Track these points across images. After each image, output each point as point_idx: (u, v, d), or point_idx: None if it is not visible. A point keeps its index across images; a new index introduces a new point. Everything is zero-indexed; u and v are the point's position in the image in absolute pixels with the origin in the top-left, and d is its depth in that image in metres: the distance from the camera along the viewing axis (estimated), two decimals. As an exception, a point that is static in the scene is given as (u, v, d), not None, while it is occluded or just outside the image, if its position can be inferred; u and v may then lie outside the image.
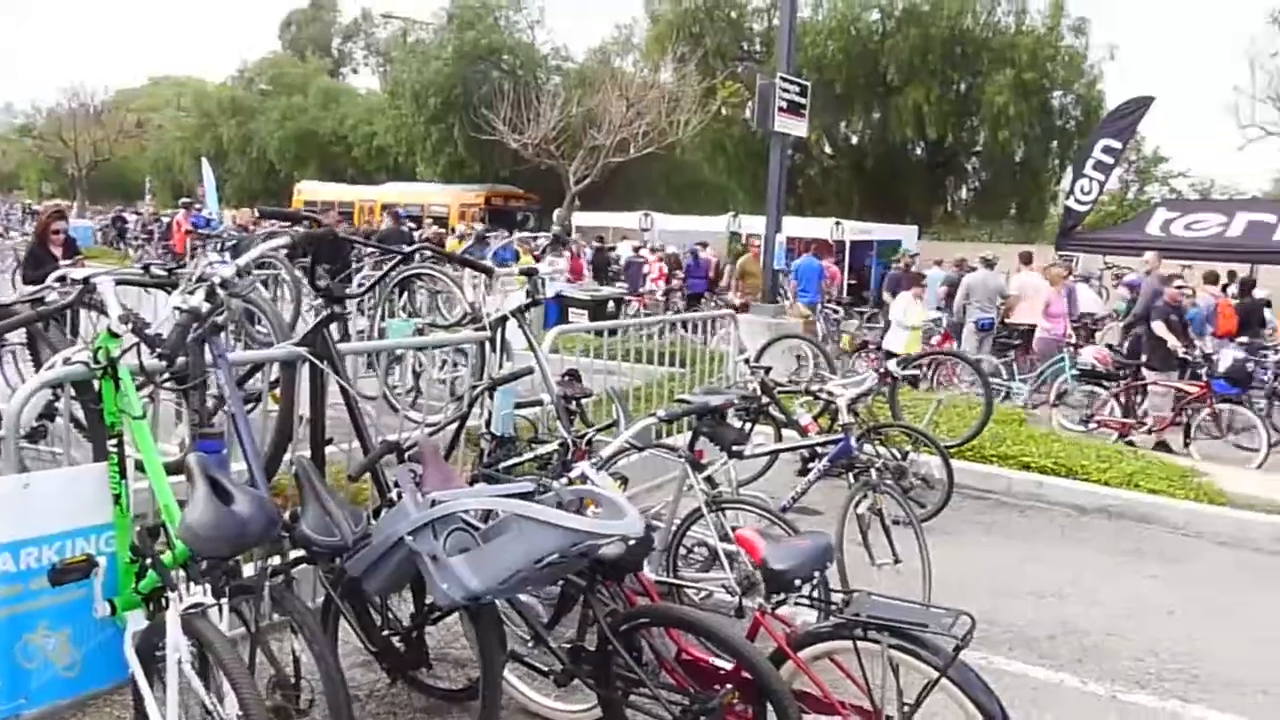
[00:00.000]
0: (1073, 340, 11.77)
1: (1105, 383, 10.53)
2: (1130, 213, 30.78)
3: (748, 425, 6.53)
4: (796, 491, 5.12)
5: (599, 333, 7.01)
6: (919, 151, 32.72)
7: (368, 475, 3.61)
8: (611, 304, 14.61)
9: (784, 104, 9.50)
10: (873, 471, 4.76)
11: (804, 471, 5.86)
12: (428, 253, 6.81)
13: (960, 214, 35.78)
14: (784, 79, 9.60)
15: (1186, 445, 9.58)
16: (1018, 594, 5.47)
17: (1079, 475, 7.45)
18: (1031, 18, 30.27)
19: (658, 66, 28.62)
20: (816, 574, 2.87)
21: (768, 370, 6.52)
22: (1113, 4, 56.16)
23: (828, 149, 33.79)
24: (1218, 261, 16.74)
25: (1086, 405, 10.35)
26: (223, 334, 3.12)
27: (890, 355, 10.93)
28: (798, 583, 2.81)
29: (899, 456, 6.71)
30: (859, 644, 2.76)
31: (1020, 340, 12.72)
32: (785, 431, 6.76)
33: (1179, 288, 10.86)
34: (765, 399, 6.58)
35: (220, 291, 2.95)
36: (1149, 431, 9.98)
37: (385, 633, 3.37)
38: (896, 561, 4.63)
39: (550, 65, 37.34)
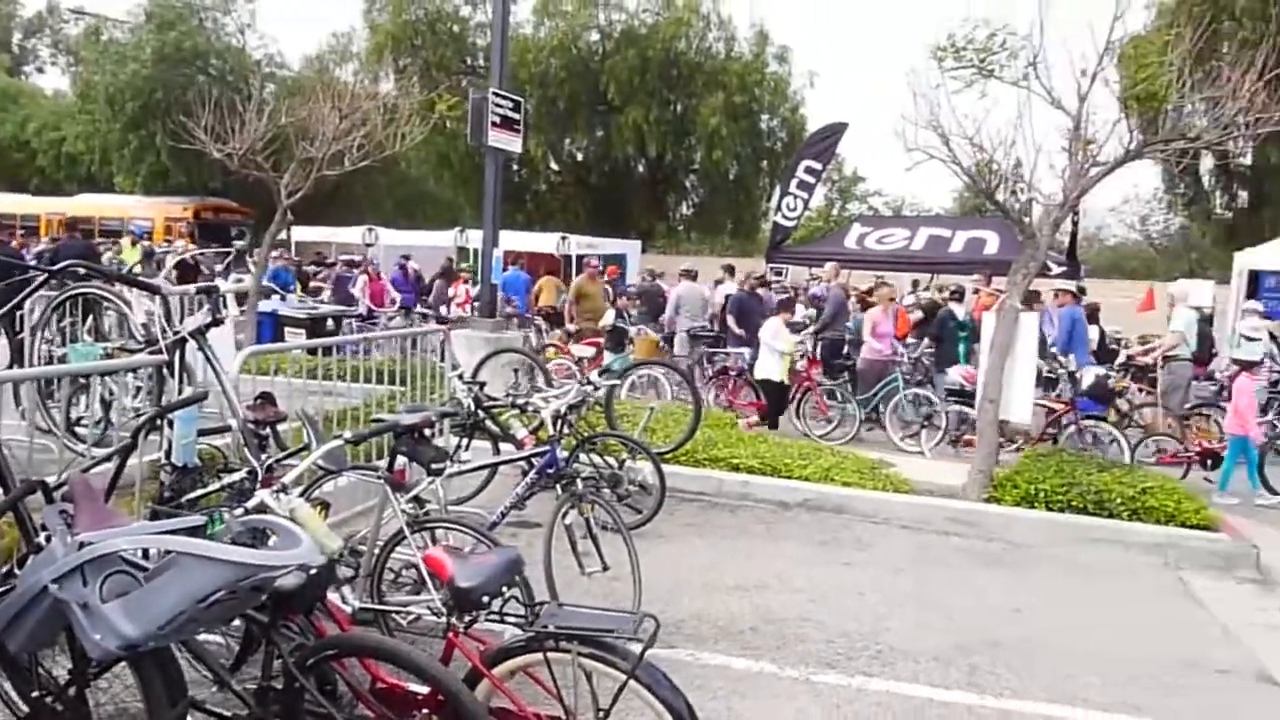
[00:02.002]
0: (902, 360, 11.79)
1: (973, 402, 10.12)
2: (835, 227, 33.42)
3: (464, 440, 6.52)
4: (505, 506, 5.11)
5: (313, 351, 6.69)
6: (641, 168, 33.90)
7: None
8: (331, 321, 13.99)
9: (497, 119, 9.50)
10: (579, 482, 4.82)
11: (530, 486, 5.86)
12: (81, 270, 6.19)
13: (682, 228, 37.42)
14: (497, 94, 9.60)
15: None
16: (725, 589, 5.73)
17: (783, 473, 7.93)
18: (740, 45, 32.24)
19: (377, 77, 27.95)
20: (506, 589, 2.85)
21: (482, 385, 6.48)
22: (812, 35, 60.95)
23: (553, 165, 34.30)
24: (903, 271, 18.51)
25: (955, 426, 10.36)
26: None
27: (767, 383, 10.88)
28: (486, 599, 2.78)
29: (616, 465, 6.88)
30: (549, 655, 2.78)
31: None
32: (505, 446, 6.74)
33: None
34: (480, 414, 6.55)
35: None
36: (1017, 449, 9.97)
37: (37, 693, 3.01)
38: (605, 569, 4.72)
39: (264, 72, 35.49)
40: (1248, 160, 27.45)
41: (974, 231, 17.95)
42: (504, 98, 9.72)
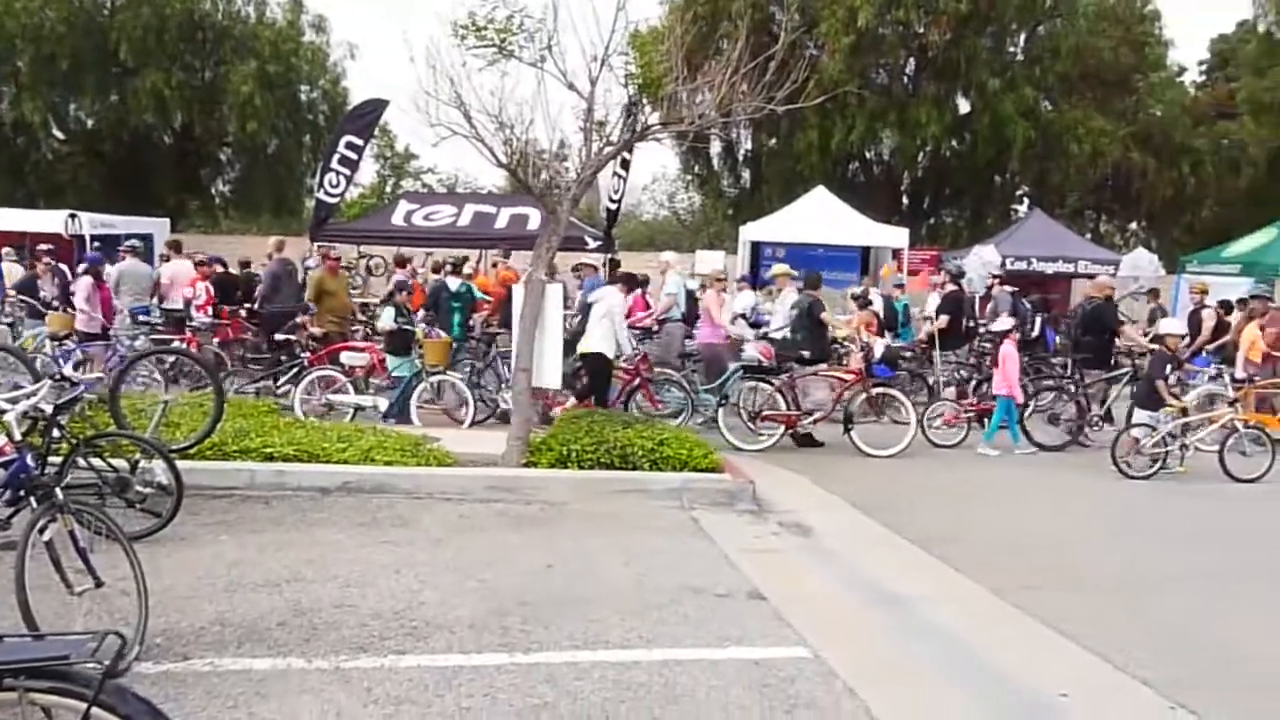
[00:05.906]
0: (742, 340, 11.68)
1: (771, 378, 10.51)
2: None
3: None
4: (-34, 529, 4.38)
5: None
6: (167, 139, 30.82)
7: None
8: None
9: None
10: (59, 491, 4.25)
11: (13, 502, 5.07)
12: None
13: (220, 205, 34.70)
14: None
15: (848, 432, 10.11)
16: (252, 587, 5.41)
17: (321, 458, 7.65)
18: (272, 10, 30.36)
19: None
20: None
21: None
22: (350, 5, 59.13)
23: (58, 132, 30.06)
24: (452, 247, 18.67)
25: (751, 402, 10.31)
26: None
27: (596, 357, 9.99)
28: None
29: (128, 467, 6.21)
30: (-11, 697, 2.40)
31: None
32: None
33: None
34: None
35: None
36: (814, 422, 10.34)
37: None
38: (99, 585, 4.22)
39: None
40: (749, 145, 31.23)
41: (518, 208, 18.50)
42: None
